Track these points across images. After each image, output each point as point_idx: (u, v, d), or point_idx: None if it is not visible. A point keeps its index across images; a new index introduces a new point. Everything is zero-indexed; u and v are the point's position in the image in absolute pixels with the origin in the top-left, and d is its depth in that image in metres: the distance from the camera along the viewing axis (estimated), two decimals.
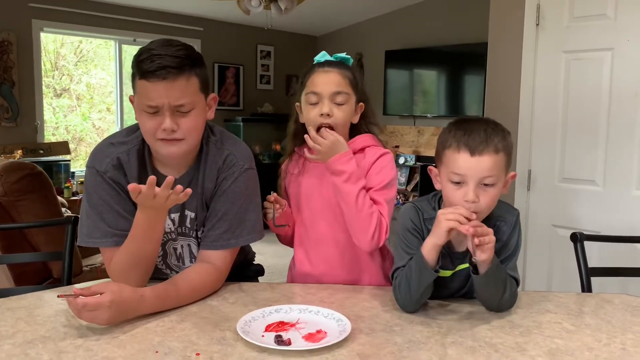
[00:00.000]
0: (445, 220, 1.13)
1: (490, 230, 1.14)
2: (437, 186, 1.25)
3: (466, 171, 1.15)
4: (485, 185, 1.16)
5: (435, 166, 1.26)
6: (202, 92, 1.27)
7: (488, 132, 1.17)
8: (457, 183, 1.17)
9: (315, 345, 1.00)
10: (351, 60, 1.49)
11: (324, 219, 1.46)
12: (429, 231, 1.21)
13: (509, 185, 1.23)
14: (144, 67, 1.18)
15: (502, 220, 1.26)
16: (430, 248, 1.16)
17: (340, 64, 1.45)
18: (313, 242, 1.49)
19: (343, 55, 1.48)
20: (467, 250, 1.20)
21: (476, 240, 1.11)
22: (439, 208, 1.25)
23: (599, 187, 2.36)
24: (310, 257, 1.49)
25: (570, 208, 2.45)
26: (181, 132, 1.22)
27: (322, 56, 1.47)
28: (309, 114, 1.42)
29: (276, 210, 1.47)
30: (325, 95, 1.39)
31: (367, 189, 1.39)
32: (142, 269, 1.27)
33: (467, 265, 1.24)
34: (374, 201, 1.38)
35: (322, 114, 1.39)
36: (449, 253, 1.25)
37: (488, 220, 1.22)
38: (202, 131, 1.30)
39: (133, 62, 1.22)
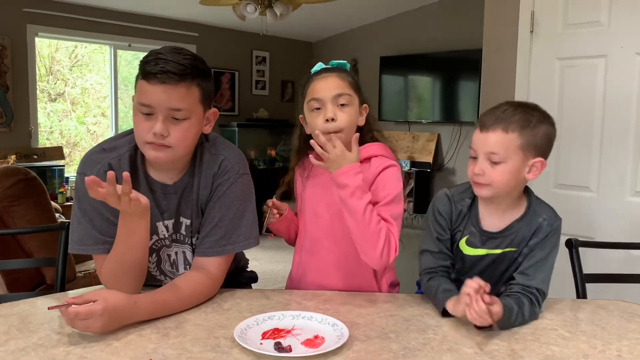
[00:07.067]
0: (465, 305, 1.09)
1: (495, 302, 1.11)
2: None
3: (476, 146, 1.20)
4: (494, 162, 1.17)
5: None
6: (201, 104, 1.25)
7: (509, 112, 1.17)
8: (474, 158, 1.21)
9: (317, 352, 1.00)
10: (348, 66, 1.46)
11: (325, 226, 1.43)
12: (458, 213, 1.29)
13: (538, 172, 1.21)
14: (147, 69, 1.18)
15: (545, 220, 1.28)
16: (452, 309, 1.16)
17: (337, 69, 1.42)
18: (310, 248, 1.47)
19: (339, 61, 1.46)
20: (499, 232, 1.27)
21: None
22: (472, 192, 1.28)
23: (593, 193, 2.37)
24: (307, 264, 1.48)
25: (565, 214, 2.43)
26: (171, 139, 1.21)
27: (319, 67, 1.44)
28: (313, 122, 1.36)
29: (273, 216, 1.45)
30: (327, 100, 1.35)
31: (373, 204, 1.32)
32: (132, 276, 1.25)
33: (497, 251, 1.28)
34: (380, 217, 1.32)
35: (327, 120, 1.34)
36: (479, 232, 1.28)
37: (534, 217, 1.27)
38: (193, 142, 1.28)
39: (139, 63, 1.22)
